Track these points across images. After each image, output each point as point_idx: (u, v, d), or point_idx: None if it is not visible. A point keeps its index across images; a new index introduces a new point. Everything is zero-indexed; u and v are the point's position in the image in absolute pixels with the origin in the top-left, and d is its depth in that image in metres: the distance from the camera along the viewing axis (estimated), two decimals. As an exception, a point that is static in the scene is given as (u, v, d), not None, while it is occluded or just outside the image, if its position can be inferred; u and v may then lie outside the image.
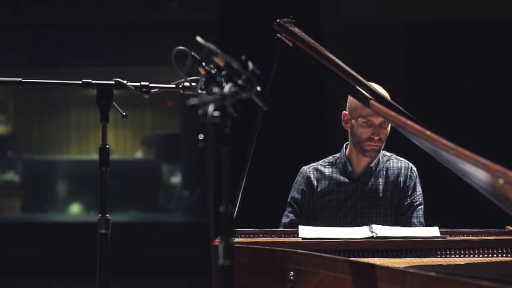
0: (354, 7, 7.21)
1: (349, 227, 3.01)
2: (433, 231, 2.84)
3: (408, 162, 3.27)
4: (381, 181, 3.21)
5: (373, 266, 2.35)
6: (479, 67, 7.16)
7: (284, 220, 3.24)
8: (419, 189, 3.24)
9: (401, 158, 3.28)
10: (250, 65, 1.89)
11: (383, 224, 3.01)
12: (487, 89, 7.15)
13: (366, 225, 3.03)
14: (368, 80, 2.81)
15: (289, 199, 3.28)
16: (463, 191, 3.04)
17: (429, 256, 2.73)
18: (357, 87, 2.71)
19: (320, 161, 3.31)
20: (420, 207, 3.22)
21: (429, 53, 7.23)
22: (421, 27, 7.27)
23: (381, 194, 3.19)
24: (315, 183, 3.24)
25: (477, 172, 2.23)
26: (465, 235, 2.91)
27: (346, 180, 3.22)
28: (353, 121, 3.15)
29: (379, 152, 3.19)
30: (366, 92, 2.69)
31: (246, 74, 1.88)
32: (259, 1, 7.16)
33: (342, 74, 2.72)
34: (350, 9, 7.21)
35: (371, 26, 7.17)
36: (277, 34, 2.90)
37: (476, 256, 2.76)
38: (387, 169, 3.23)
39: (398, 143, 3.37)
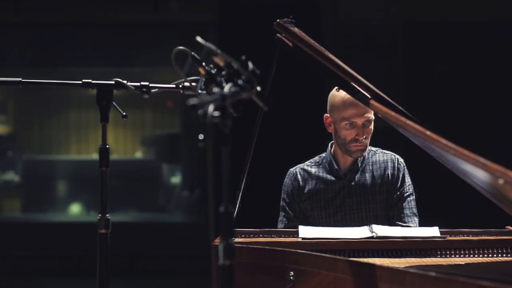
0: (354, 7, 7.21)
1: (341, 225, 3.02)
2: (433, 231, 2.83)
3: (394, 154, 3.27)
4: (367, 176, 3.21)
5: (373, 266, 2.35)
6: (479, 67, 7.16)
7: (280, 225, 3.24)
8: (408, 180, 3.23)
9: (387, 151, 3.28)
10: (250, 65, 1.89)
11: (374, 219, 3.02)
12: (487, 89, 7.15)
13: (357, 221, 3.05)
14: (368, 80, 2.81)
15: (281, 203, 3.29)
16: (463, 191, 3.04)
17: (429, 256, 2.73)
18: (356, 86, 2.71)
19: (306, 162, 3.31)
20: (411, 198, 3.21)
21: (429, 53, 7.24)
22: (421, 27, 7.27)
23: (369, 189, 3.19)
24: (302, 183, 3.24)
25: (477, 172, 2.23)
26: (465, 235, 2.90)
27: (333, 178, 3.22)
28: (335, 124, 3.15)
29: (365, 150, 3.19)
30: (366, 92, 2.69)
31: (246, 74, 1.88)
32: (259, 1, 7.16)
33: (342, 74, 2.72)
34: (350, 9, 7.21)
35: (371, 26, 7.17)
36: (277, 34, 2.89)
37: (476, 256, 2.76)
38: (373, 163, 3.23)
39: (398, 143, 3.37)
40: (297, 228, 2.92)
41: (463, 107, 7.11)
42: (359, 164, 3.21)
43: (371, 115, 3.11)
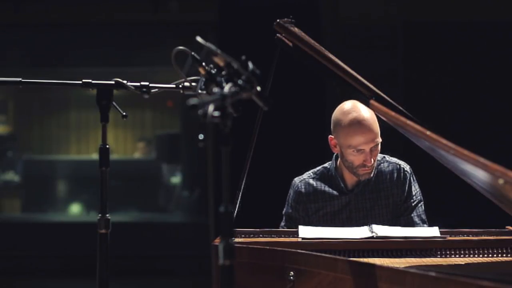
0: (354, 7, 7.21)
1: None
2: (433, 231, 2.83)
3: (399, 162, 3.20)
4: (374, 188, 3.15)
5: (373, 266, 2.35)
6: (479, 67, 7.16)
7: None
8: (415, 187, 3.18)
9: (392, 159, 3.21)
10: (250, 65, 1.89)
11: None
12: (487, 89, 7.15)
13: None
14: (368, 80, 2.81)
15: (283, 212, 3.25)
16: (463, 191, 3.04)
17: (429, 256, 2.73)
18: (357, 86, 2.71)
19: (310, 172, 3.25)
20: (419, 204, 3.16)
21: (429, 53, 7.24)
22: (421, 27, 7.27)
23: (375, 202, 3.14)
24: (306, 198, 3.18)
25: (477, 172, 2.23)
26: (465, 235, 2.90)
27: (338, 193, 3.17)
28: (342, 147, 3.08)
29: (373, 171, 3.12)
30: (366, 92, 2.69)
31: (246, 74, 1.88)
32: (259, 1, 7.16)
33: (342, 74, 2.71)
34: (350, 9, 7.21)
35: (371, 26, 7.17)
36: (277, 34, 2.89)
37: (476, 256, 2.76)
38: (378, 174, 3.16)
39: (398, 143, 3.36)
40: (301, 226, 2.92)
41: (463, 107, 7.11)
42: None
43: (379, 139, 3.05)
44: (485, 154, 2.13)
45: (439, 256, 2.73)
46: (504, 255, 2.77)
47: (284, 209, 3.25)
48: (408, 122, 2.45)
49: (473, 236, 2.88)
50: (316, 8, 7.22)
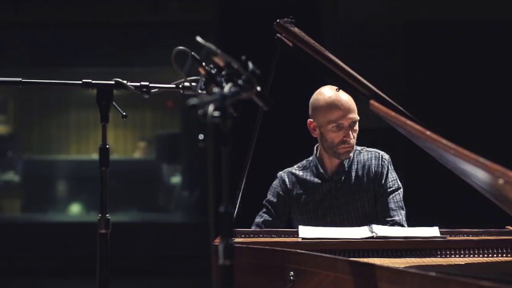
0: (354, 7, 7.20)
1: (332, 226, 3.02)
2: (433, 231, 2.83)
3: (379, 151, 3.27)
4: (353, 175, 3.21)
5: (373, 266, 2.35)
6: (479, 67, 7.16)
7: (258, 219, 3.25)
8: (392, 175, 3.22)
9: (372, 149, 3.28)
10: (250, 65, 1.89)
11: (363, 218, 3.03)
12: (487, 89, 7.15)
13: (347, 222, 3.07)
14: (368, 80, 2.81)
15: (264, 201, 3.29)
16: (463, 191, 3.04)
17: (429, 256, 2.73)
18: (357, 86, 2.71)
19: (294, 166, 3.32)
20: (397, 192, 3.20)
21: (429, 53, 7.23)
22: (421, 27, 7.27)
23: (355, 189, 3.20)
24: (290, 186, 3.26)
25: (477, 172, 2.23)
26: (465, 235, 2.91)
27: (320, 181, 3.23)
28: (321, 128, 3.16)
29: (352, 151, 3.19)
30: (366, 92, 2.69)
31: (246, 74, 1.88)
32: (259, 1, 7.15)
33: (342, 74, 2.72)
34: (350, 9, 7.21)
35: (371, 26, 7.16)
36: (277, 34, 2.90)
37: (476, 256, 2.76)
38: (358, 163, 3.23)
39: (398, 143, 3.37)
40: (279, 227, 2.93)
41: (463, 107, 7.11)
42: (345, 165, 3.22)
43: (357, 116, 3.14)
44: (485, 154, 2.13)
45: (439, 256, 2.74)
46: (504, 255, 2.77)
47: (265, 199, 3.29)
48: (408, 122, 2.45)
49: (473, 236, 2.88)
50: (316, 8, 7.22)
